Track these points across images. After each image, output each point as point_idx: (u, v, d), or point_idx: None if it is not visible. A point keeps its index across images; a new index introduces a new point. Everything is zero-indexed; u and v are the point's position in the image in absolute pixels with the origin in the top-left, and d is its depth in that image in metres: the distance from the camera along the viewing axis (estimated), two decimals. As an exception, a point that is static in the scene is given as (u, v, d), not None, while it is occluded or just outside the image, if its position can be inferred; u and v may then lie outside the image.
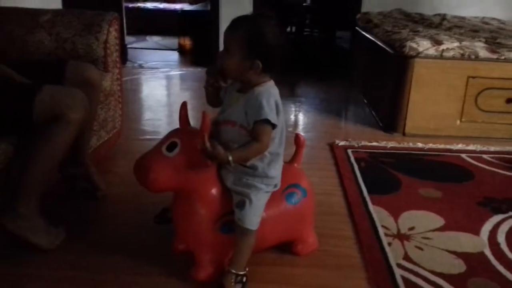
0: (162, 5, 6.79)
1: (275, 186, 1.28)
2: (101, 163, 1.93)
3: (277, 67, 1.21)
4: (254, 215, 1.19)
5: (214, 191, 1.22)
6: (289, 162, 1.41)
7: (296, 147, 1.42)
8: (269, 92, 1.20)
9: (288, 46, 1.21)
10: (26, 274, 1.32)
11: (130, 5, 6.34)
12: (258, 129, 1.16)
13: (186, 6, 6.19)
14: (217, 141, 1.18)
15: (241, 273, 1.23)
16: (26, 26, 1.87)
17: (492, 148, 2.38)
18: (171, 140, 1.17)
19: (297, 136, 1.41)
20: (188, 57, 4.87)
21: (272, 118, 1.16)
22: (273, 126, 1.18)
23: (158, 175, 1.14)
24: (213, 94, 1.28)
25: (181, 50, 5.09)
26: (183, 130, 1.23)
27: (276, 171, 1.26)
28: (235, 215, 1.20)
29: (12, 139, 1.34)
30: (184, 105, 1.25)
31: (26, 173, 1.34)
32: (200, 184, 1.20)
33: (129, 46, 4.77)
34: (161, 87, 3.84)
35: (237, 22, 1.16)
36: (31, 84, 1.39)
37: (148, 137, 2.45)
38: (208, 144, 1.11)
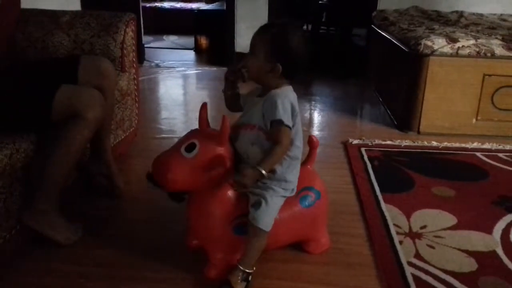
0: (178, 5, 6.84)
1: (292, 191, 1.29)
2: (118, 161, 1.97)
3: (297, 74, 1.24)
4: (269, 216, 1.21)
5: (230, 193, 1.24)
6: (303, 164, 1.40)
7: (310, 148, 1.43)
8: (285, 94, 1.22)
9: (309, 56, 1.23)
10: (44, 268, 1.36)
11: (148, 5, 6.42)
12: (275, 131, 1.18)
13: (203, 6, 6.25)
14: (237, 145, 1.22)
15: (249, 271, 1.25)
16: (46, 28, 1.93)
17: (508, 147, 2.36)
18: (190, 141, 1.18)
19: (310, 138, 1.42)
20: (204, 56, 4.91)
21: (286, 119, 1.18)
22: (288, 127, 1.19)
23: (177, 175, 1.16)
24: (232, 98, 1.30)
25: (197, 49, 5.13)
26: (203, 132, 1.24)
27: (294, 176, 1.28)
28: (250, 214, 1.22)
29: (32, 137, 1.39)
30: (204, 106, 1.27)
31: (45, 170, 1.39)
32: (217, 185, 1.22)
33: (146, 45, 4.83)
34: (177, 86, 3.88)
35: (266, 27, 1.20)
36: (49, 83, 1.43)
37: (164, 135, 2.50)
38: (235, 179, 1.14)
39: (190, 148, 1.17)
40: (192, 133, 1.23)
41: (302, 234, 1.39)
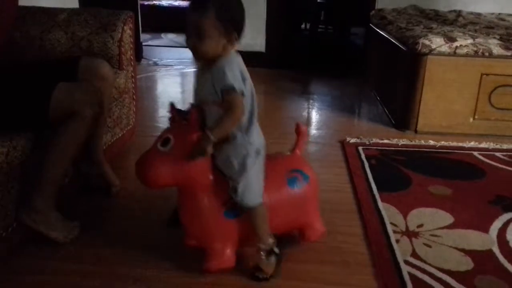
0: (176, 3, 6.84)
1: (258, 152, 1.26)
2: (116, 159, 1.97)
3: (243, 30, 1.20)
4: (249, 192, 1.22)
5: (213, 178, 1.25)
6: (291, 150, 1.44)
7: (297, 136, 1.45)
8: (232, 61, 1.19)
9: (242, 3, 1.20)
10: (41, 267, 1.36)
11: (146, 2, 6.41)
12: (227, 99, 1.16)
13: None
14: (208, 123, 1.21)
15: (269, 245, 1.28)
16: (43, 25, 1.92)
17: (505, 146, 2.36)
18: (164, 136, 1.20)
19: (297, 125, 1.44)
20: (202, 54, 4.89)
21: (238, 86, 1.16)
22: (241, 94, 1.17)
23: (157, 169, 1.17)
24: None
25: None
26: (174, 126, 1.25)
27: (255, 136, 1.26)
28: (234, 198, 1.23)
29: (29, 135, 1.39)
30: (171, 107, 1.26)
31: (42, 168, 1.39)
32: (198, 174, 1.22)
33: (144, 43, 4.83)
34: (175, 84, 3.88)
35: (201, 5, 1.14)
36: (47, 82, 1.43)
37: (161, 133, 2.49)
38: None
39: (165, 143, 1.19)
40: (165, 130, 1.25)
41: (293, 219, 1.39)
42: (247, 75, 1.21)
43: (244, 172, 1.22)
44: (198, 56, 1.19)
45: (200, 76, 1.24)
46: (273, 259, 1.28)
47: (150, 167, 1.17)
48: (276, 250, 1.30)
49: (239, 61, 1.21)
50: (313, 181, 1.40)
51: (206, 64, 1.21)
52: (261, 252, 1.28)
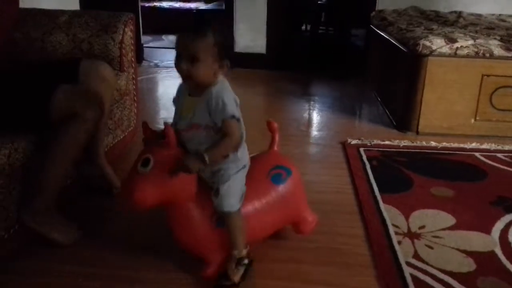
0: (177, 4, 6.84)
1: (244, 166, 1.30)
2: (117, 161, 1.97)
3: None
4: (230, 197, 1.23)
5: (198, 191, 1.25)
6: (268, 149, 1.46)
7: (271, 133, 1.47)
8: (225, 89, 1.22)
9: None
10: (43, 268, 1.36)
11: (146, 4, 6.41)
12: (227, 126, 1.19)
13: (201, 5, 6.24)
14: (188, 146, 1.23)
15: (243, 255, 1.28)
16: (44, 27, 1.92)
17: (506, 147, 2.36)
18: (143, 156, 1.19)
19: (269, 123, 1.46)
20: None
21: (237, 114, 1.20)
22: (238, 120, 1.21)
23: (141, 192, 1.16)
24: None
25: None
26: (151, 145, 1.24)
27: (243, 153, 1.30)
28: (213, 203, 1.24)
29: (31, 137, 1.39)
30: (144, 125, 1.26)
31: (43, 170, 1.39)
32: (184, 188, 1.22)
33: (145, 45, 4.83)
34: (176, 86, 3.85)
35: (199, 31, 1.17)
36: (48, 84, 1.43)
37: (162, 135, 2.48)
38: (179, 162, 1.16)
39: (145, 163, 1.18)
40: (143, 151, 1.24)
41: (284, 214, 1.39)
42: (237, 99, 1.24)
43: (228, 179, 1.24)
44: (189, 80, 1.20)
45: (189, 102, 1.24)
46: (241, 268, 1.28)
47: (134, 191, 1.16)
48: (246, 261, 1.29)
49: (229, 87, 1.24)
50: (296, 173, 1.41)
51: (195, 89, 1.22)
52: (233, 261, 1.27)
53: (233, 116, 1.19)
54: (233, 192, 1.24)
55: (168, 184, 1.19)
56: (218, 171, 1.26)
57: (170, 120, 1.30)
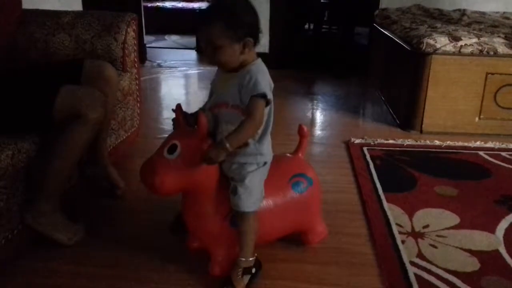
0: (180, 4, 6.84)
1: (265, 163, 1.26)
2: (120, 161, 1.97)
3: (259, 31, 1.20)
4: (248, 197, 1.20)
5: (219, 187, 1.24)
6: (294, 153, 1.44)
7: (300, 138, 1.45)
8: (262, 69, 1.20)
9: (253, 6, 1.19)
10: (46, 269, 1.36)
11: (149, 4, 6.42)
12: (251, 104, 1.15)
13: (204, 5, 6.24)
14: (213, 125, 1.20)
15: (250, 264, 1.26)
16: (47, 28, 1.93)
17: (511, 146, 2.35)
18: (171, 142, 1.18)
19: (300, 127, 1.44)
20: (206, 55, 4.90)
21: (269, 93, 1.16)
22: (267, 102, 1.18)
23: (163, 178, 1.15)
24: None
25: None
26: (181, 132, 1.23)
27: (266, 148, 1.25)
28: (231, 201, 1.21)
29: (34, 138, 1.39)
30: (178, 107, 1.25)
31: (46, 171, 1.39)
32: (205, 182, 1.22)
33: (148, 45, 4.83)
34: (179, 86, 3.89)
35: (209, 17, 1.15)
36: (51, 84, 1.44)
37: (165, 135, 2.46)
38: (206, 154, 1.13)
39: (172, 149, 1.17)
40: (172, 135, 1.23)
41: (297, 222, 1.39)
42: (272, 83, 1.22)
43: (247, 177, 1.21)
44: (223, 67, 1.20)
45: (223, 79, 1.23)
46: (247, 278, 1.26)
47: (158, 176, 1.15)
48: (253, 270, 1.27)
49: (267, 70, 1.22)
50: (316, 184, 1.40)
51: (231, 71, 1.21)
52: (239, 269, 1.25)
53: (263, 96, 1.15)
54: (252, 193, 1.21)
55: (190, 175, 1.18)
56: (234, 165, 1.22)
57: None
